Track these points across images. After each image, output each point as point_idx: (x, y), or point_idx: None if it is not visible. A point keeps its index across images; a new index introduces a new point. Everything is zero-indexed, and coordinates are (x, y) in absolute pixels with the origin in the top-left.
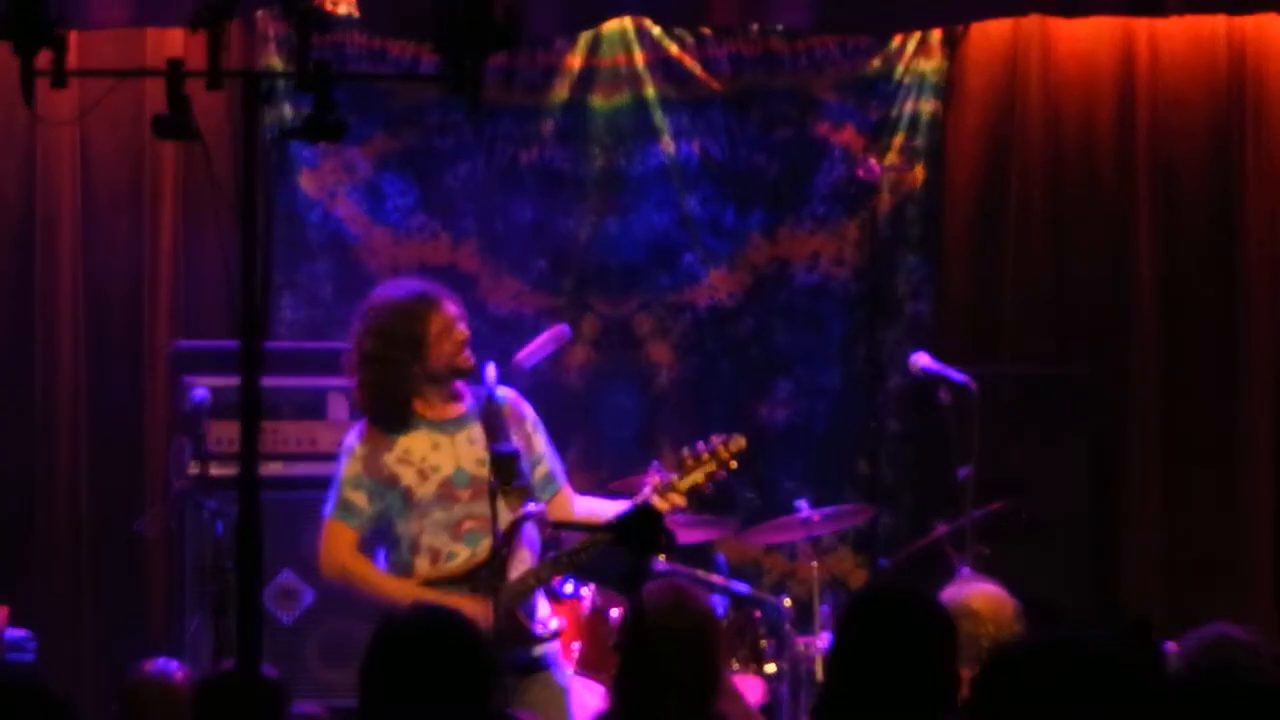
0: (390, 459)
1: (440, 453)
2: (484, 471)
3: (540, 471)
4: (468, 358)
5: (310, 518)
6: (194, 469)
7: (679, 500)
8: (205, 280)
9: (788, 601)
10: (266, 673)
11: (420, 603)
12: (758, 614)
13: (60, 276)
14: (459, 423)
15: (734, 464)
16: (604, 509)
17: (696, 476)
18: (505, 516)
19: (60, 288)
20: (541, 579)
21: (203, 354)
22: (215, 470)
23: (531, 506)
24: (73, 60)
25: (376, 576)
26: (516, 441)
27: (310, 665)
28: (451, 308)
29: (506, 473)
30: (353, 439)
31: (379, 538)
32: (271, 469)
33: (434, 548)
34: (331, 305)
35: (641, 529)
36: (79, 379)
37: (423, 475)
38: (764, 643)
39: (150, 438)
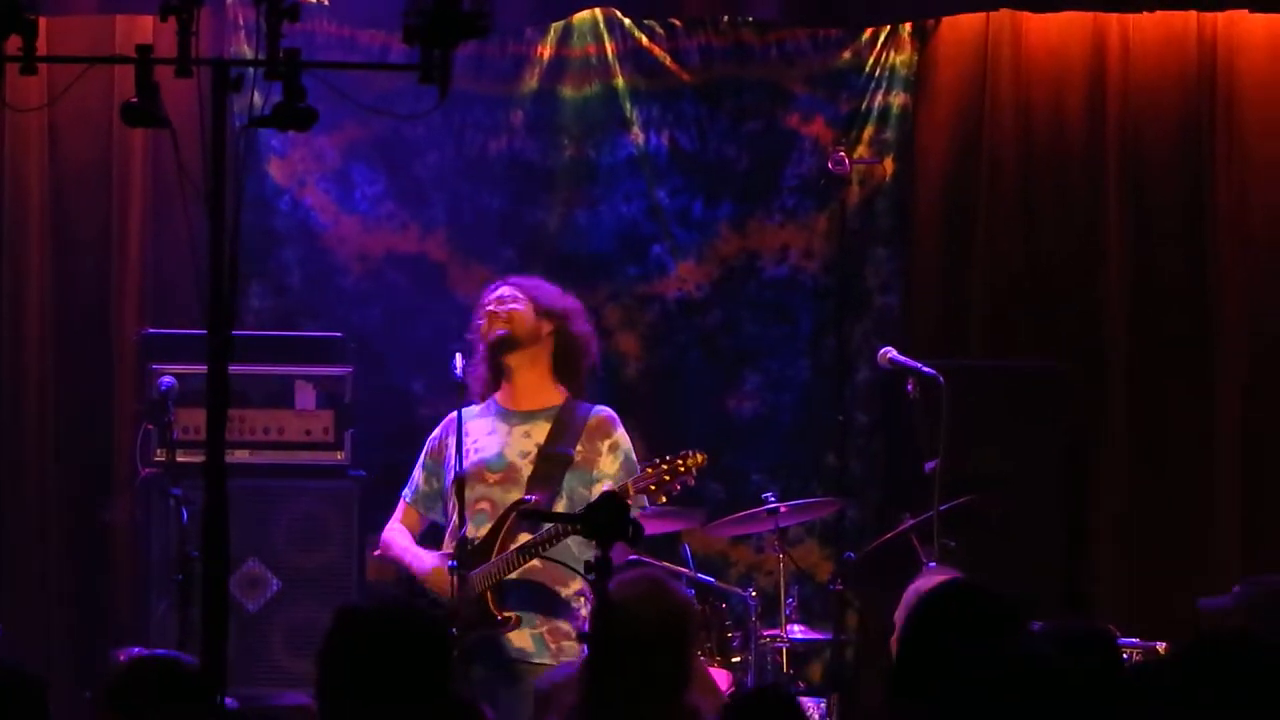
0: (451, 441)
1: (492, 439)
2: (523, 463)
3: (598, 489)
4: (486, 332)
5: (277, 506)
6: (161, 456)
7: None
8: (173, 268)
9: (754, 594)
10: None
11: (379, 592)
12: (724, 606)
13: (28, 264)
14: (527, 416)
15: (690, 479)
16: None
17: (650, 487)
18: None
19: (28, 275)
20: (510, 566)
21: (170, 341)
22: (182, 458)
23: (528, 497)
24: (42, 47)
25: (389, 537)
26: (582, 452)
27: (275, 654)
28: (495, 290)
29: (543, 470)
30: (438, 427)
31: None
32: (238, 457)
33: (455, 523)
34: (300, 293)
35: (608, 519)
36: (46, 366)
37: (466, 454)
38: (730, 635)
39: (117, 425)
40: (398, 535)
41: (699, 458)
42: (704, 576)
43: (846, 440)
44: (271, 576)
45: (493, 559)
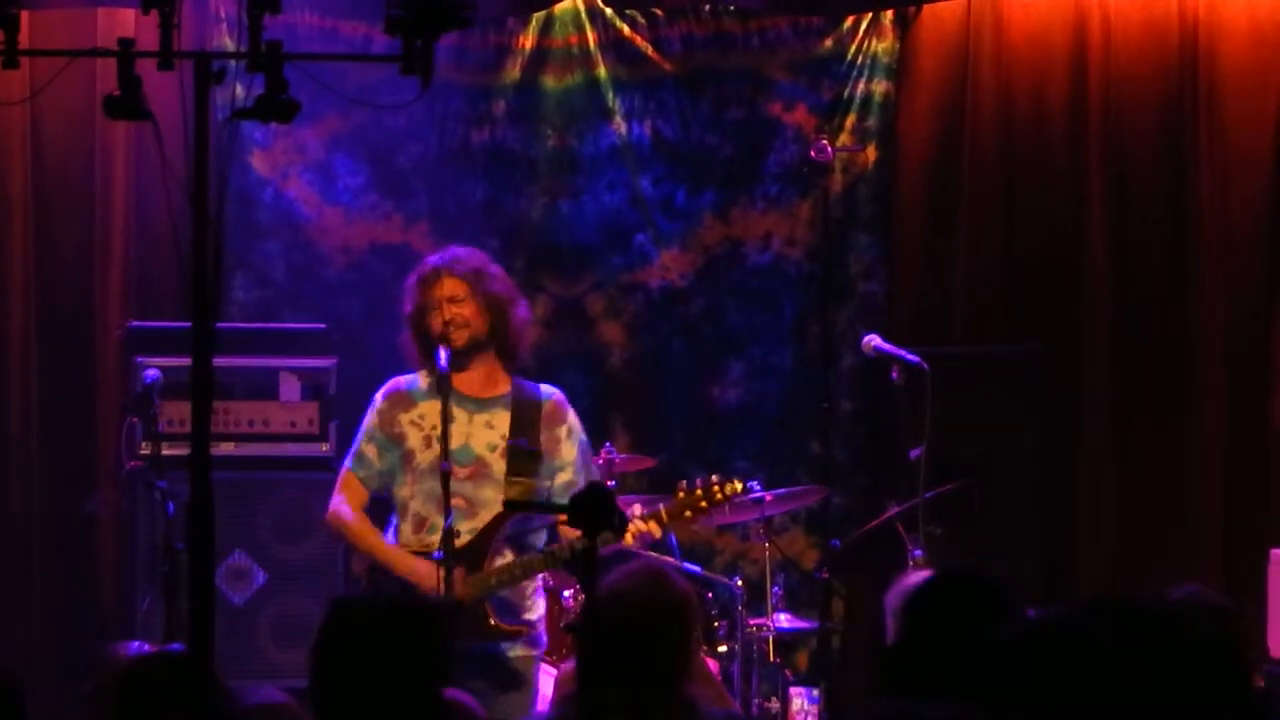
0: (405, 418)
1: (453, 426)
2: (492, 457)
3: (561, 478)
4: (446, 337)
5: (262, 498)
6: (146, 449)
7: (655, 530)
8: (156, 261)
9: (740, 582)
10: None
11: (374, 582)
12: (710, 595)
13: (11, 258)
14: (486, 403)
15: (727, 508)
16: None
17: (685, 512)
18: (494, 508)
19: (11, 269)
20: (515, 577)
21: (155, 334)
22: (167, 450)
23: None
24: (24, 40)
25: (362, 528)
26: (544, 442)
27: (262, 646)
28: (447, 287)
29: (516, 466)
30: (379, 394)
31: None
32: (223, 449)
33: (420, 515)
34: (283, 285)
35: (594, 509)
36: (31, 360)
37: (427, 442)
38: (716, 623)
39: (102, 418)
40: (368, 527)
41: (736, 485)
42: (690, 565)
43: (831, 428)
44: (257, 569)
45: (489, 568)
